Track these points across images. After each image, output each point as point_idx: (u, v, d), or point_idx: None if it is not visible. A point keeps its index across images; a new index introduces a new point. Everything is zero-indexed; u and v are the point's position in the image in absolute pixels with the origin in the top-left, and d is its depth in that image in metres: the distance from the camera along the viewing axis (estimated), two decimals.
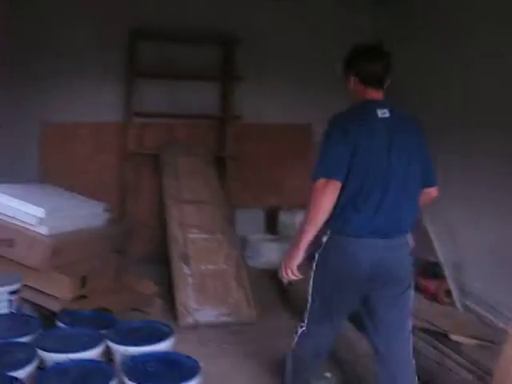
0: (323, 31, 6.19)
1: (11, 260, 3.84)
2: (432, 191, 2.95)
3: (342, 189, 2.68)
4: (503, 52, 4.42)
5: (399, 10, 5.94)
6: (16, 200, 3.95)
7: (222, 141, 6.03)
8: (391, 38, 6.03)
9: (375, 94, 2.84)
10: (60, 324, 3.52)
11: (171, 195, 5.18)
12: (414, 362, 2.93)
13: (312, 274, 2.87)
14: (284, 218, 5.93)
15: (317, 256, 2.84)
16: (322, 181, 2.64)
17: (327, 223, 2.73)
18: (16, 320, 3.50)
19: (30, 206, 3.91)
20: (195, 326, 4.24)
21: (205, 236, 4.88)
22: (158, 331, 3.41)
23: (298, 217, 5.84)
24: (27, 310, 3.82)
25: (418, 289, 4.98)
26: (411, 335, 2.93)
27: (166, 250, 4.84)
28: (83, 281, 3.95)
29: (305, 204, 2.84)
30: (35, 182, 5.55)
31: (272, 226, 6.10)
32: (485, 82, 4.61)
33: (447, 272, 4.85)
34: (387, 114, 2.76)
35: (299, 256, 2.74)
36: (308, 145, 6.32)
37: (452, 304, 4.73)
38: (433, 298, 4.82)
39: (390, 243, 2.75)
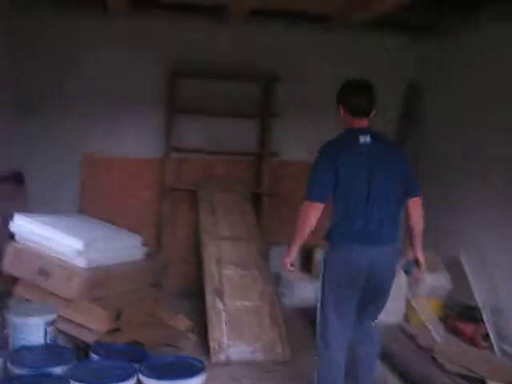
0: (364, 68, 6.19)
1: (47, 290, 3.90)
2: (417, 200, 3.44)
3: (334, 210, 3.35)
4: None
5: (440, 48, 6.00)
6: (55, 231, 4.02)
7: (259, 177, 6.06)
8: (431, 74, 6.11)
9: (360, 123, 3.37)
10: (94, 356, 3.55)
11: (208, 231, 5.21)
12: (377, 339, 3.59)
13: (320, 278, 3.46)
14: (319, 256, 5.89)
15: (323, 262, 3.48)
16: (307, 203, 3.29)
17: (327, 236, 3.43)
18: (51, 351, 3.54)
19: (69, 237, 3.97)
20: (227, 363, 4.21)
21: (240, 272, 4.88)
22: (190, 366, 3.42)
23: None
24: (62, 340, 3.86)
25: (455, 332, 4.91)
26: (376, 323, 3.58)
27: (202, 284, 4.85)
28: (118, 314, 3.98)
29: None
30: (74, 214, 5.66)
31: (307, 263, 6.06)
32: None
33: (485, 316, 4.75)
34: (368, 140, 3.31)
35: (292, 256, 3.47)
36: None
37: (490, 348, 4.63)
38: (470, 341, 4.73)
39: (381, 249, 3.30)
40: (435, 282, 5.10)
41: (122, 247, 4.58)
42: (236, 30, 5.94)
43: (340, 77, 6.04)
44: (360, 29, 5.95)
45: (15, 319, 3.58)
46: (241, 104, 6.03)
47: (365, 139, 3.29)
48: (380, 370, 3.83)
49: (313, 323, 4.93)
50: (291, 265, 3.50)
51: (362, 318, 3.47)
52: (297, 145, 6.09)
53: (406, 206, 3.42)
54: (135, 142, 5.94)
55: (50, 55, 5.72)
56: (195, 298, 5.30)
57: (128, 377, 3.19)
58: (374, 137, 3.32)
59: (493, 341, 4.65)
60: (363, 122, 3.36)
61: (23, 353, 3.43)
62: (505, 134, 4.84)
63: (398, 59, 6.28)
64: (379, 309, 3.51)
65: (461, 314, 4.95)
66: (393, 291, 4.86)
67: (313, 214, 3.29)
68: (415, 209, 3.42)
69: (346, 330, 3.40)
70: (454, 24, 5.59)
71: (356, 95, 3.38)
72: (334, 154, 3.27)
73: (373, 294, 3.38)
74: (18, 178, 5.17)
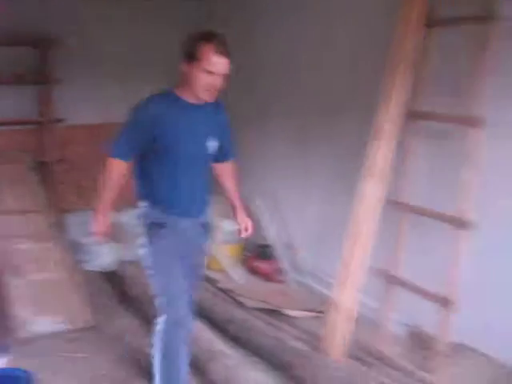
0: (157, 24, 6.09)
1: None
2: None
3: None
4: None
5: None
6: None
7: (43, 145, 5.80)
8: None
9: None
10: None
11: None
12: None
13: None
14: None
15: None
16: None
17: None
18: None
19: None
20: (32, 339, 4.07)
21: (34, 245, 4.71)
22: None
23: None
24: None
25: (254, 272, 5.18)
26: None
27: None
28: None
29: None
30: None
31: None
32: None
33: (279, 252, 5.06)
34: None
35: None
36: None
37: (285, 282, 4.95)
38: (267, 278, 5.03)
39: None
40: (231, 227, 5.29)
41: None
42: None
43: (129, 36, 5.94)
44: None
45: None
46: (19, 70, 5.66)
47: None
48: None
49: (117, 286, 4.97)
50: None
51: None
52: (85, 109, 5.91)
53: None
54: None
55: None
56: None
57: None
58: None
59: (287, 275, 4.98)
60: None
61: None
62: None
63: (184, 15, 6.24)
64: None
65: (257, 254, 5.22)
66: None
67: None
68: None
69: None
70: None
71: None
72: None
73: None
74: None
